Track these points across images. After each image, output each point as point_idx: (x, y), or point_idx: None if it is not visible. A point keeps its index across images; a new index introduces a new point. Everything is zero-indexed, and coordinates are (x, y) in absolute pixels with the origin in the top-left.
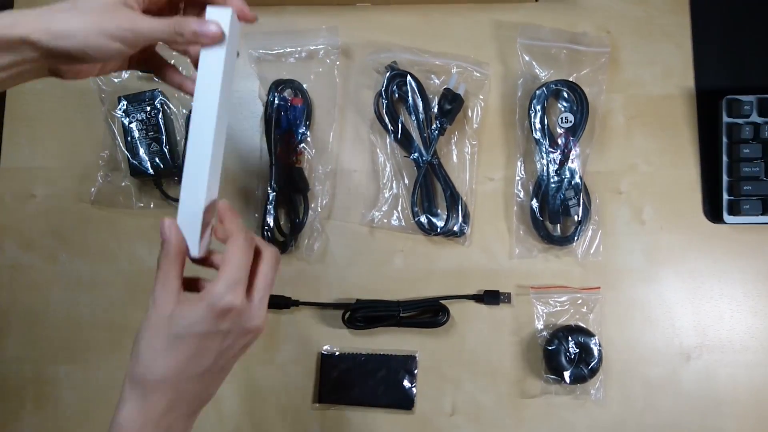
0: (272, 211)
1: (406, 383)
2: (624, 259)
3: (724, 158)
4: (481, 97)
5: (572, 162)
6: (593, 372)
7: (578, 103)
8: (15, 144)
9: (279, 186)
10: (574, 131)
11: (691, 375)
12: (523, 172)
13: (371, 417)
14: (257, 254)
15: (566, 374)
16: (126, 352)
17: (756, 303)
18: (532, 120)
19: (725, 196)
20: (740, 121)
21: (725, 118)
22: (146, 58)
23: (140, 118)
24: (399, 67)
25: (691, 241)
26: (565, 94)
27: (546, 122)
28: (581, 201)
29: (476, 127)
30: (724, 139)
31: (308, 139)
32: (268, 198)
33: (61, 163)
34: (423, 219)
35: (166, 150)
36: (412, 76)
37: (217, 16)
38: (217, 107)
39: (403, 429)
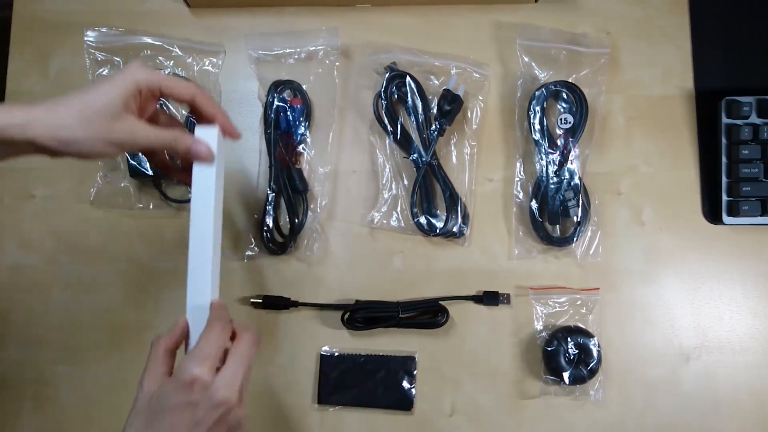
0: (271, 212)
1: (406, 384)
2: (623, 260)
3: (724, 159)
4: (481, 98)
5: (571, 163)
6: (592, 373)
7: (578, 104)
8: None
9: (278, 187)
10: (573, 132)
11: (691, 376)
12: (522, 173)
13: (371, 417)
14: (237, 337)
15: (566, 375)
16: (126, 352)
17: (755, 304)
18: (532, 121)
19: (724, 197)
20: (739, 122)
21: (724, 119)
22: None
23: None
24: (398, 68)
25: (690, 242)
26: (565, 95)
27: (545, 123)
28: (581, 202)
29: (475, 128)
30: (724, 140)
31: (307, 139)
32: (268, 199)
33: (60, 163)
34: (422, 220)
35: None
36: (412, 77)
37: (206, 135)
38: (213, 214)
39: (402, 430)
